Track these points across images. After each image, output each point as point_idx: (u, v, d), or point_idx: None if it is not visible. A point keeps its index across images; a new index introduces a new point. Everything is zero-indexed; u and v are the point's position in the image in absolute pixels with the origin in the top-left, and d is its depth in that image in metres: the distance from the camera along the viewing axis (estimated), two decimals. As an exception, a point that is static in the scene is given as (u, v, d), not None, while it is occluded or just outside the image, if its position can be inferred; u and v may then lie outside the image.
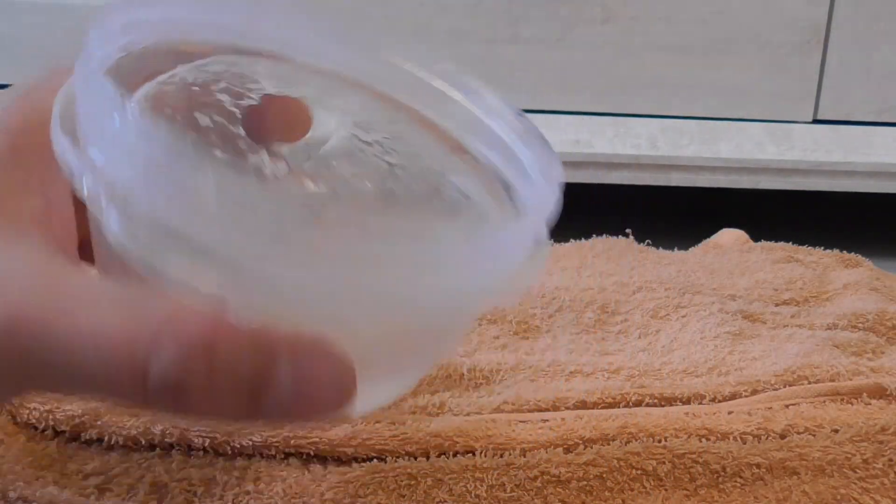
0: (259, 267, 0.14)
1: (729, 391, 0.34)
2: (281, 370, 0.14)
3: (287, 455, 0.29)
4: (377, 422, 0.31)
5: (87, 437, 0.30)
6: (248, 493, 0.27)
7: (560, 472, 0.28)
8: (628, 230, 0.55)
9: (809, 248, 0.55)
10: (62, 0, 0.66)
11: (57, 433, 0.31)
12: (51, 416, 0.31)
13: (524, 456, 0.29)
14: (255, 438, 0.29)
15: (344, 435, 0.29)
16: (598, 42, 0.68)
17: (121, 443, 0.30)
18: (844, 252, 0.54)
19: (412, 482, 0.28)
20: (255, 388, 0.14)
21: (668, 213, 0.91)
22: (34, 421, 0.31)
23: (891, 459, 0.29)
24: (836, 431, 0.31)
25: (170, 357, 0.14)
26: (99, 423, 0.30)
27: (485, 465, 0.28)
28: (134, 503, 0.27)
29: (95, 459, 0.29)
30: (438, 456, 0.29)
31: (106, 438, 0.30)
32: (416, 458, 0.29)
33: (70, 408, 0.31)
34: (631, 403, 0.33)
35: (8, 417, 0.31)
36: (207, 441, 0.29)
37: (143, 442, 0.29)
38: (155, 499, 0.27)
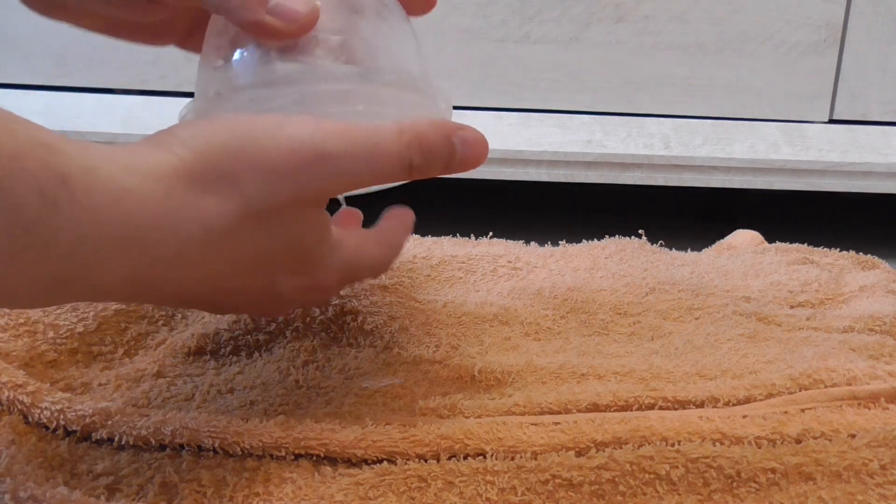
0: None
1: (743, 394, 0.33)
2: (456, 145, 0.29)
3: (297, 457, 0.29)
4: (387, 424, 0.30)
5: (98, 437, 0.30)
6: (257, 494, 0.27)
7: (572, 476, 0.28)
8: (641, 231, 0.55)
9: (825, 249, 0.54)
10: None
11: (68, 433, 0.31)
12: (62, 416, 0.31)
13: (535, 459, 0.29)
14: (265, 439, 0.29)
15: (354, 437, 0.29)
16: (611, 41, 0.68)
17: (131, 443, 0.30)
18: (861, 254, 0.53)
19: (422, 484, 0.28)
20: (449, 158, 0.29)
21: (681, 214, 0.90)
22: (45, 421, 0.31)
23: (909, 465, 0.29)
24: (853, 436, 0.30)
25: (419, 155, 0.28)
26: (109, 423, 0.30)
27: (496, 468, 0.28)
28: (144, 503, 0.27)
29: (106, 459, 0.29)
30: (449, 458, 0.29)
31: (116, 438, 0.30)
32: (426, 461, 0.29)
33: (81, 408, 0.31)
34: (643, 406, 0.33)
35: (19, 417, 0.31)
36: (217, 442, 0.29)
37: (154, 442, 0.29)
38: (165, 499, 0.27)
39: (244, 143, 0.26)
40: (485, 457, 0.29)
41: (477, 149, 0.29)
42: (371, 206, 0.36)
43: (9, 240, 0.21)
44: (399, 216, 0.36)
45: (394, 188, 0.34)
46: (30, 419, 0.31)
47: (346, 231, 0.32)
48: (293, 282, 0.29)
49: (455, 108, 0.70)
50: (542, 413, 0.32)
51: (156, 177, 0.25)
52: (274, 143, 0.26)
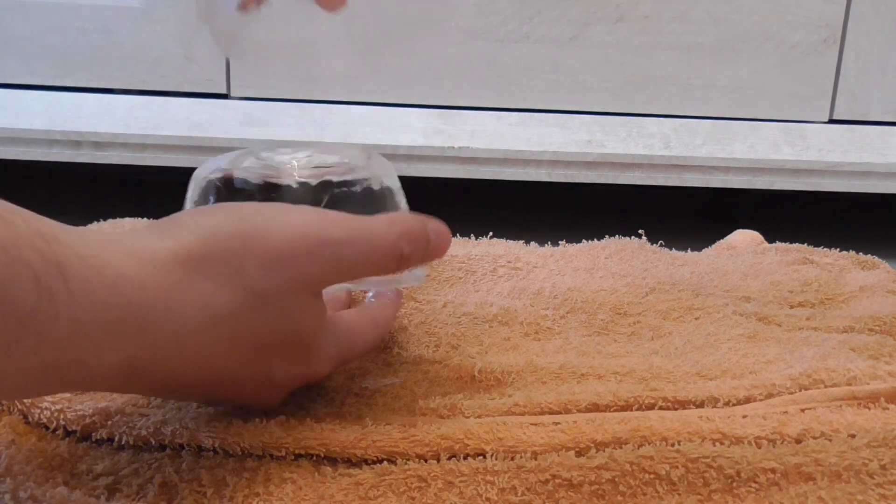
0: None
1: (743, 394, 0.33)
2: (431, 235, 0.30)
3: (297, 457, 0.29)
4: (387, 423, 0.30)
5: (98, 437, 0.30)
6: (258, 494, 0.27)
7: (572, 476, 0.28)
8: (641, 231, 0.55)
9: (825, 249, 0.54)
10: (73, 0, 0.66)
11: (68, 433, 0.31)
12: (62, 416, 0.31)
13: (535, 459, 0.29)
14: (265, 439, 0.29)
15: (354, 436, 0.29)
16: (611, 41, 0.68)
17: (131, 443, 0.30)
18: (861, 254, 0.53)
19: (422, 484, 0.28)
20: (426, 247, 0.30)
21: (682, 214, 0.90)
22: (45, 421, 0.31)
23: (909, 465, 0.29)
24: (853, 436, 0.30)
25: (408, 245, 0.29)
26: (109, 423, 0.30)
27: (496, 468, 0.28)
28: (144, 504, 0.27)
29: (105, 459, 0.29)
30: (449, 458, 0.29)
31: (116, 438, 0.30)
32: (426, 461, 0.29)
33: (81, 408, 0.31)
34: (643, 406, 0.33)
35: (19, 417, 0.31)
36: (217, 442, 0.29)
37: (153, 442, 0.29)
38: (165, 499, 0.27)
39: (248, 230, 0.27)
40: (485, 457, 0.29)
41: (444, 238, 0.31)
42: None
43: (4, 331, 0.21)
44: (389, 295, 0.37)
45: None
46: (30, 419, 0.31)
47: (337, 314, 0.32)
48: (289, 370, 0.29)
49: (455, 108, 0.70)
50: (542, 413, 0.32)
51: (154, 262, 0.25)
52: (277, 230, 0.27)
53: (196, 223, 0.27)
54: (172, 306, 0.25)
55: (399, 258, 0.29)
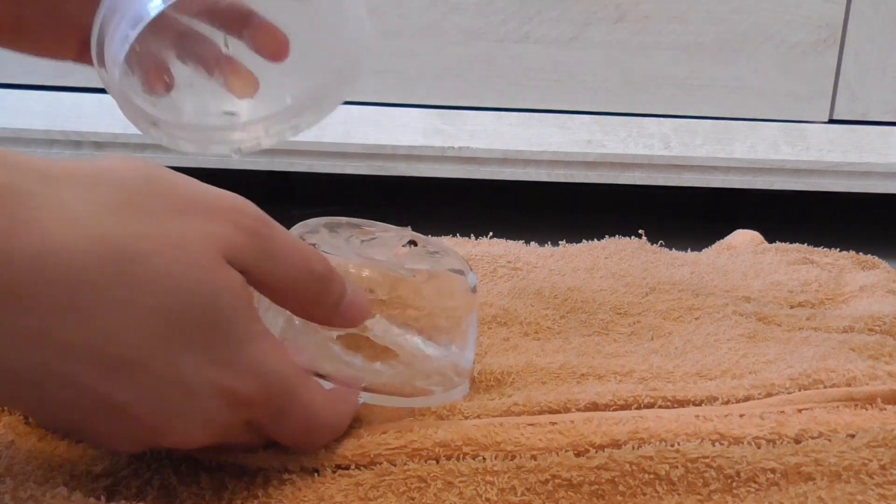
0: None
1: (743, 394, 0.33)
2: (348, 292, 0.29)
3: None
4: (383, 432, 0.30)
5: (98, 437, 0.30)
6: (256, 497, 0.27)
7: (571, 476, 0.28)
8: (641, 231, 0.55)
9: (825, 249, 0.54)
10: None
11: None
12: (61, 417, 0.31)
13: (535, 459, 0.29)
14: (260, 464, 0.28)
15: (350, 449, 0.29)
16: (611, 42, 0.68)
17: (129, 446, 0.29)
18: (861, 254, 0.53)
19: (422, 485, 0.28)
20: (340, 296, 0.29)
21: (682, 214, 0.90)
22: (45, 421, 0.31)
23: (908, 465, 0.29)
24: (852, 436, 0.30)
25: (320, 264, 0.28)
26: (109, 423, 0.30)
27: (495, 469, 0.28)
28: (143, 505, 0.27)
29: (105, 461, 0.29)
30: (448, 459, 0.29)
31: (116, 439, 0.30)
32: (426, 462, 0.29)
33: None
34: (643, 406, 0.33)
35: (19, 417, 0.31)
36: (213, 462, 0.29)
37: (148, 454, 0.29)
38: (164, 501, 0.27)
39: (163, 176, 0.24)
40: (484, 457, 0.29)
41: (358, 305, 0.29)
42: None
43: None
44: None
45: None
46: (30, 420, 0.31)
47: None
48: (202, 368, 0.23)
49: (455, 107, 0.70)
50: (541, 413, 0.32)
51: (9, 165, 0.21)
52: (196, 185, 0.25)
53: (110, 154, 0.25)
54: (31, 216, 0.21)
55: (310, 273, 0.27)
